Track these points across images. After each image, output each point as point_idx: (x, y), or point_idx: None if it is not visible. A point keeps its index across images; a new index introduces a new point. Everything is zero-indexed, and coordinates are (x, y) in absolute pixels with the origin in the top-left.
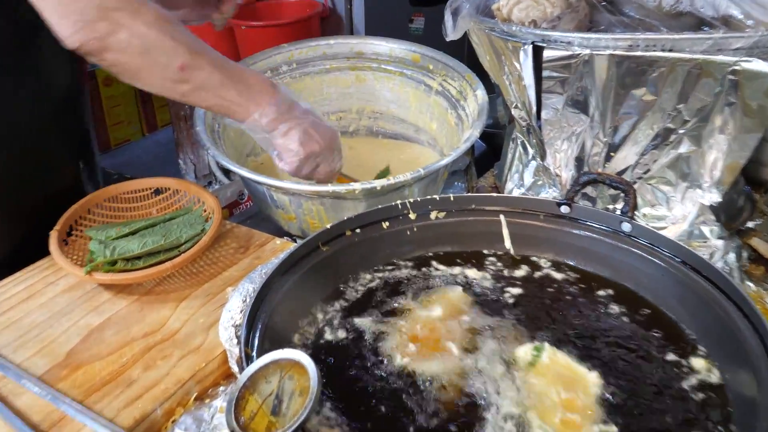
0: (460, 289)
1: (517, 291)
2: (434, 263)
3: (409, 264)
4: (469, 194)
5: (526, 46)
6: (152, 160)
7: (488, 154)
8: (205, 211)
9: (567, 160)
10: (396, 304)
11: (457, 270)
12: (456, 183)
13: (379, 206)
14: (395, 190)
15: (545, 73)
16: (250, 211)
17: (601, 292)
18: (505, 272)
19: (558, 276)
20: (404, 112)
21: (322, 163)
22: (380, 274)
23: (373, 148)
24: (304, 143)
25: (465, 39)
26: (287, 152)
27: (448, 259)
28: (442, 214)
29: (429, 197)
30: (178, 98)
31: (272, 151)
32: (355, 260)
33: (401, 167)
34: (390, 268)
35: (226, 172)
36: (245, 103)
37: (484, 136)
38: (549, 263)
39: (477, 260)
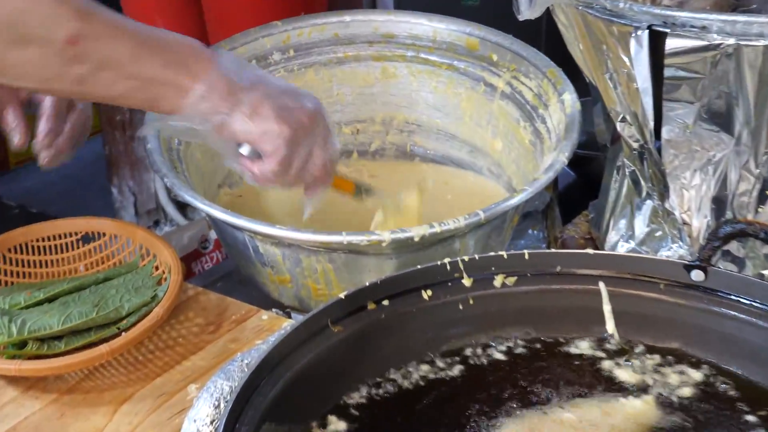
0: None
1: (633, 403)
2: (499, 355)
3: (461, 359)
4: (552, 250)
5: (639, 32)
6: (71, 187)
7: (579, 188)
8: (157, 268)
9: (700, 201)
10: None
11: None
12: (531, 232)
13: (418, 266)
14: (441, 241)
15: (668, 72)
16: (221, 268)
17: (751, 418)
18: (608, 368)
19: (687, 378)
20: (454, 123)
21: (315, 148)
22: (417, 375)
23: (406, 177)
24: (285, 118)
25: (545, 18)
26: (265, 138)
27: (525, 351)
28: (511, 280)
29: (491, 254)
30: (71, 91)
31: (235, 158)
32: (381, 349)
33: (449, 207)
34: (434, 363)
35: (181, 206)
36: (176, 78)
37: (573, 161)
38: (673, 359)
39: (562, 355)
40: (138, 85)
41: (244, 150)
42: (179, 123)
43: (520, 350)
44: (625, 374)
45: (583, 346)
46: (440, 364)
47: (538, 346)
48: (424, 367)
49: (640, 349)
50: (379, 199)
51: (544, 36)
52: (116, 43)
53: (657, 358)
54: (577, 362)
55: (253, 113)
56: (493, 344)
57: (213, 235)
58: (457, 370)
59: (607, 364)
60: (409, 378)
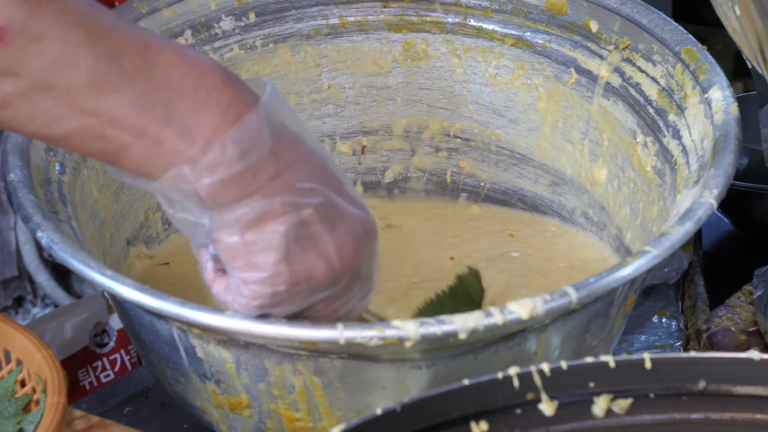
0: None
1: None
2: None
3: None
4: (693, 354)
5: None
6: None
7: (739, 245)
8: (23, 383)
9: None
10: None
11: None
12: (657, 321)
13: (464, 382)
14: (504, 339)
15: None
16: (131, 381)
17: None
18: None
19: None
20: (525, 137)
21: (330, 303)
22: None
23: (445, 228)
24: (292, 258)
25: None
26: (247, 269)
27: None
28: (623, 405)
29: (588, 360)
30: None
31: (203, 251)
32: None
33: (518, 279)
34: None
35: (61, 274)
36: (159, 132)
37: (728, 201)
38: None
39: None
40: (94, 127)
41: (208, 255)
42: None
43: None
44: None
45: None
46: None
47: None
48: None
49: None
50: None
51: None
52: (71, 50)
53: None
54: None
55: (254, 228)
56: None
57: (115, 323)
58: None
59: None
60: None
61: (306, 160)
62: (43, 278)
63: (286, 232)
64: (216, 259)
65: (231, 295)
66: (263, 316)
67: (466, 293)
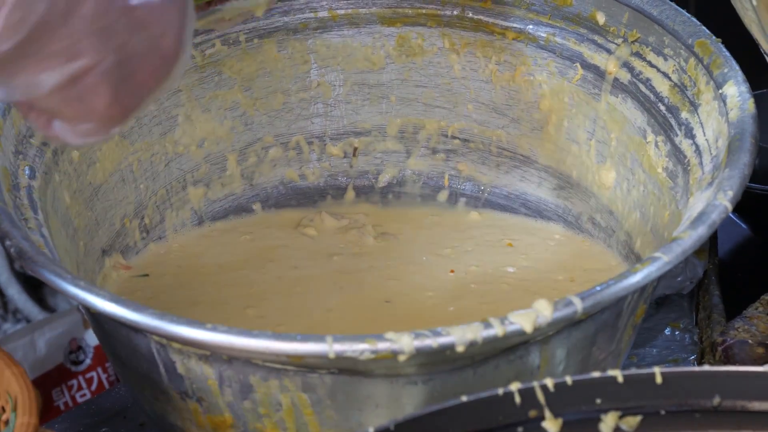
0: None
1: None
2: None
3: None
4: (707, 368)
5: None
6: None
7: (756, 252)
8: None
9: None
10: None
11: None
12: (669, 332)
13: (463, 398)
14: (505, 353)
15: None
16: (107, 401)
17: None
18: None
19: None
20: (528, 138)
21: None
22: None
23: (443, 238)
24: None
25: None
26: None
27: None
28: (632, 423)
29: (595, 375)
30: None
31: None
32: None
33: (518, 288)
34: None
35: (33, 287)
36: None
37: (744, 204)
38: None
39: None
40: None
41: None
42: None
43: None
44: None
45: None
46: None
47: None
48: None
49: None
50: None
51: None
52: None
53: None
54: None
55: None
56: None
57: (91, 340)
58: None
59: None
60: None
61: None
62: (14, 291)
63: None
64: None
65: None
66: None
67: None
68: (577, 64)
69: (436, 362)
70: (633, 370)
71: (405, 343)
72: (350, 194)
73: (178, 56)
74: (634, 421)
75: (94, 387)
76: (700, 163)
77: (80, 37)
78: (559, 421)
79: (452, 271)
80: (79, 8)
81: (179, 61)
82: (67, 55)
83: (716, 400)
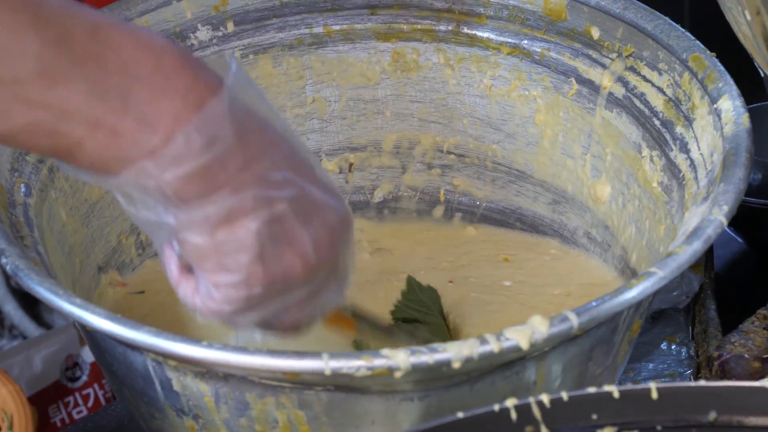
0: None
1: None
2: None
3: None
4: (703, 383)
5: None
6: None
7: (752, 266)
8: None
9: None
10: None
11: None
12: (665, 347)
13: (458, 415)
14: (501, 369)
15: None
16: (104, 418)
17: None
18: None
19: None
20: (523, 152)
21: (306, 303)
22: None
23: (439, 253)
24: (266, 257)
25: None
26: (218, 271)
27: None
28: None
29: (591, 390)
30: None
31: (167, 248)
32: None
33: (514, 305)
34: None
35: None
36: (116, 123)
37: (740, 219)
38: None
39: None
40: (46, 120)
41: (172, 253)
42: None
43: None
44: None
45: None
46: None
47: None
48: None
49: None
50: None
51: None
52: (16, 36)
53: None
54: None
55: (225, 226)
56: None
57: (88, 356)
58: None
59: None
60: None
61: (276, 148)
62: (10, 308)
63: (259, 230)
64: (181, 257)
65: (200, 298)
66: (235, 323)
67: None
68: (572, 79)
69: (433, 378)
70: (629, 386)
71: (401, 359)
72: None
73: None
74: None
75: (90, 404)
76: (695, 178)
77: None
78: None
79: (451, 281)
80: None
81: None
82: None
83: (712, 416)
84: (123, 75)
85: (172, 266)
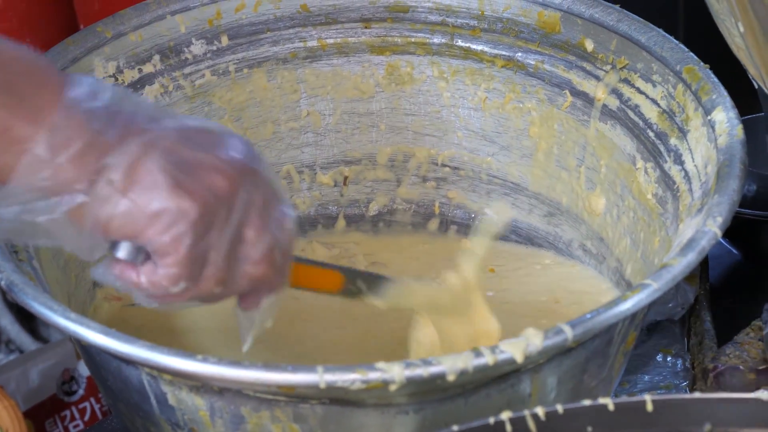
0: None
1: None
2: None
3: None
4: (698, 395)
5: None
6: None
7: (747, 277)
8: None
9: None
10: None
11: None
12: (660, 359)
13: (453, 428)
14: (496, 381)
15: None
16: (102, 430)
17: None
18: None
19: None
20: (518, 165)
21: (248, 227)
22: None
23: (432, 263)
24: (187, 184)
25: None
26: (154, 225)
27: None
28: None
29: (586, 403)
30: None
31: (107, 266)
32: None
33: (510, 316)
34: None
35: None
36: (6, 119)
37: (734, 230)
38: None
39: None
40: None
41: (122, 251)
42: (3, 210)
43: None
44: None
45: None
46: None
47: None
48: None
49: None
50: (399, 290)
51: (682, 10)
52: None
53: None
54: None
55: (130, 182)
56: None
57: (84, 370)
58: None
59: None
60: None
61: (144, 107)
62: (7, 322)
63: (161, 166)
64: (122, 265)
65: (145, 276)
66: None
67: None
68: (566, 91)
69: (427, 391)
70: (624, 398)
71: (396, 372)
72: (341, 223)
73: None
74: None
75: (87, 417)
76: (690, 189)
77: None
78: None
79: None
80: None
81: None
82: None
83: (707, 428)
84: (4, 77)
85: (125, 272)
